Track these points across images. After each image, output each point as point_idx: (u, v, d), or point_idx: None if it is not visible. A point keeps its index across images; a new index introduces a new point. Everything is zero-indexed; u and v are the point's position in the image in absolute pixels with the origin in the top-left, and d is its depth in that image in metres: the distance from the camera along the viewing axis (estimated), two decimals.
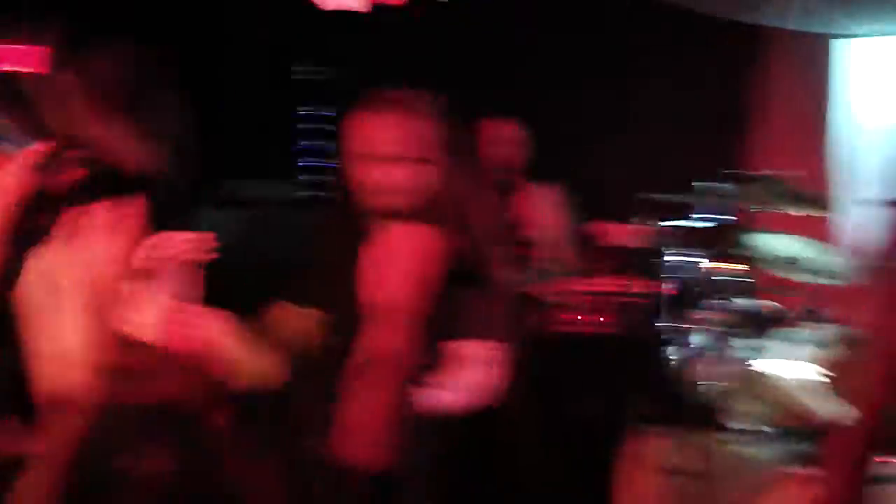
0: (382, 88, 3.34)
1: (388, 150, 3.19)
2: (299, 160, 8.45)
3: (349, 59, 7.82)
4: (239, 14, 7.70)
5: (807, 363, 4.77)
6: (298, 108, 8.40)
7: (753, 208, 5.25)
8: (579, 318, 6.34)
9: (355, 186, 3.23)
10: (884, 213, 5.75)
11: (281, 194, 8.05)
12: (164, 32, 7.52)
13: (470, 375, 3.06)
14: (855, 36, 6.99)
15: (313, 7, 7.66)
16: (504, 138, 6.23)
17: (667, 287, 5.58)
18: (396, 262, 3.04)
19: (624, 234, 5.99)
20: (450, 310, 3.06)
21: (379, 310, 2.96)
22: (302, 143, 8.43)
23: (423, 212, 3.13)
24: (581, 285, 6.39)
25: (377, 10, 7.31)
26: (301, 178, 8.42)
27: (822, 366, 4.72)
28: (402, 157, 3.18)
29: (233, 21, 7.69)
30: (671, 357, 5.51)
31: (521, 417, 5.49)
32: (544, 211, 6.19)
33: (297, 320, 3.27)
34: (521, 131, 6.24)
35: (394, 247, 3.03)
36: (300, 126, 8.44)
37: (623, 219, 6.00)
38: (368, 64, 7.28)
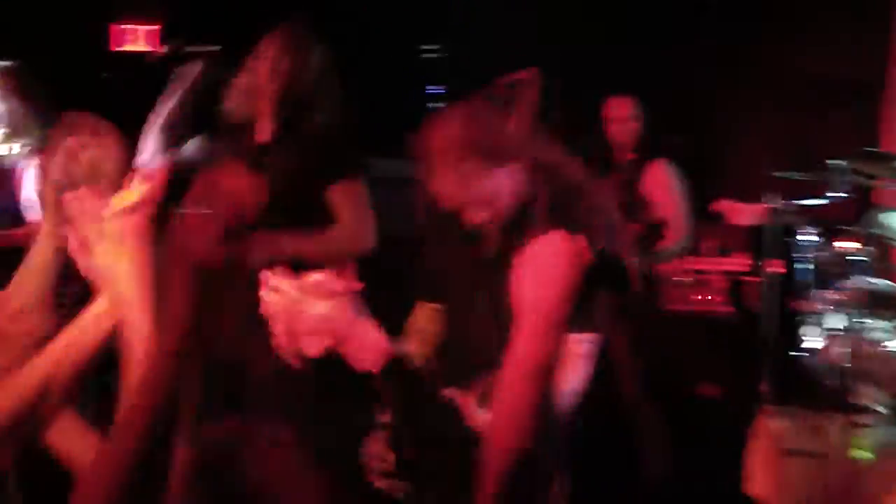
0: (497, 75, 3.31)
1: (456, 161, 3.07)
2: None
3: (474, 39, 7.83)
4: None
5: None
6: (426, 87, 8.44)
7: (888, 186, 5.12)
8: (704, 297, 6.28)
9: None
10: None
11: (407, 172, 8.09)
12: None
13: (574, 373, 3.05)
14: None
15: None
16: (627, 116, 6.19)
17: (797, 266, 5.47)
18: (538, 272, 2.99)
19: (753, 212, 5.89)
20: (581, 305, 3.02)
21: (524, 318, 2.93)
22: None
23: (546, 215, 3.07)
24: (706, 264, 6.32)
25: None
26: None
27: None
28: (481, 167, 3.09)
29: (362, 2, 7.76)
30: (802, 337, 5.41)
31: (641, 399, 5.47)
32: (667, 189, 6.12)
33: (434, 317, 3.30)
34: (643, 108, 6.20)
35: (532, 256, 3.00)
36: (429, 105, 8.48)
37: (753, 197, 5.90)
38: (493, 44, 7.28)
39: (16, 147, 4.96)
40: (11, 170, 5.01)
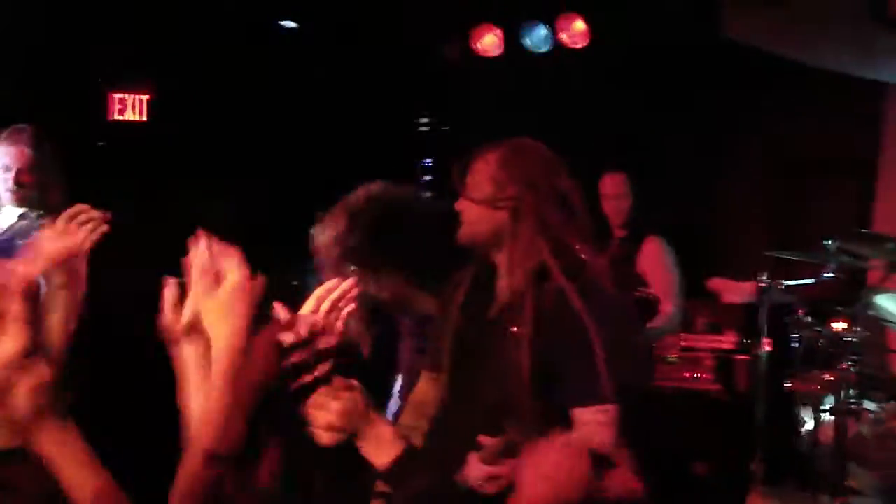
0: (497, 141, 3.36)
1: (476, 181, 3.23)
2: None
3: (471, 113, 7.87)
4: (364, 67, 7.81)
5: None
6: (421, 162, 8.46)
7: (885, 269, 5.11)
8: (694, 374, 6.26)
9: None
10: None
11: None
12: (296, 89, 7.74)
13: (590, 439, 3.04)
14: None
15: (438, 62, 7.75)
16: (621, 192, 6.23)
17: (790, 345, 5.46)
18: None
19: (745, 290, 5.89)
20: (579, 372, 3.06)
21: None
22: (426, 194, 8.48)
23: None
24: (696, 341, 6.31)
25: (500, 65, 7.39)
26: None
27: None
28: (469, 187, 3.23)
29: (358, 75, 7.79)
30: (794, 418, 5.38)
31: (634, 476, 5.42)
32: (660, 265, 6.15)
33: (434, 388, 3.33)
34: (636, 185, 6.24)
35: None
36: (423, 177, 8.50)
37: (745, 275, 5.89)
38: (489, 118, 7.32)
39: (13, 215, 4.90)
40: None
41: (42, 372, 1.80)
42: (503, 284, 3.27)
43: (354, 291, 2.28)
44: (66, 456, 1.85)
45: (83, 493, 1.86)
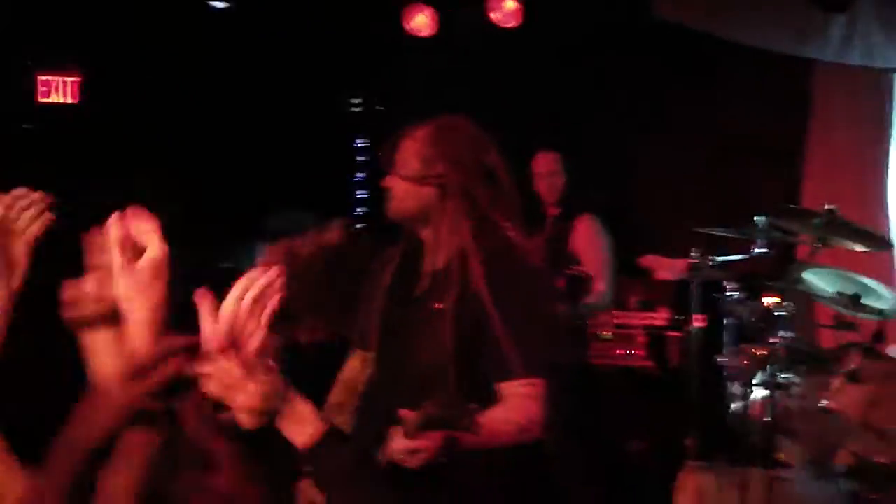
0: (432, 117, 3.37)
1: (404, 158, 3.26)
2: (356, 191, 8.49)
3: (404, 92, 7.85)
4: (300, 46, 7.77)
5: (861, 400, 4.68)
6: (354, 141, 8.45)
7: (813, 243, 5.17)
8: (627, 351, 6.30)
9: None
10: None
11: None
12: (225, 68, 7.67)
13: (514, 412, 3.07)
14: None
15: (371, 41, 7.73)
16: (553, 171, 6.26)
17: (722, 321, 5.50)
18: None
19: (677, 267, 5.93)
20: (500, 347, 3.09)
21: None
22: (357, 175, 8.47)
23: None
24: (629, 318, 6.35)
25: (430, 43, 7.38)
26: (357, 210, 8.45)
27: (876, 401, 4.64)
28: (396, 163, 3.26)
29: (293, 53, 7.75)
30: (724, 392, 5.43)
31: (564, 450, 5.46)
32: (593, 244, 6.19)
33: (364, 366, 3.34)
34: (569, 163, 6.27)
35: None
36: (356, 158, 8.48)
37: (677, 252, 5.94)
38: (424, 95, 7.31)
39: None
40: None
41: None
42: (429, 261, 3.29)
43: (280, 282, 2.26)
44: None
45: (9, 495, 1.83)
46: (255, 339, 2.11)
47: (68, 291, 2.17)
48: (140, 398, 1.96)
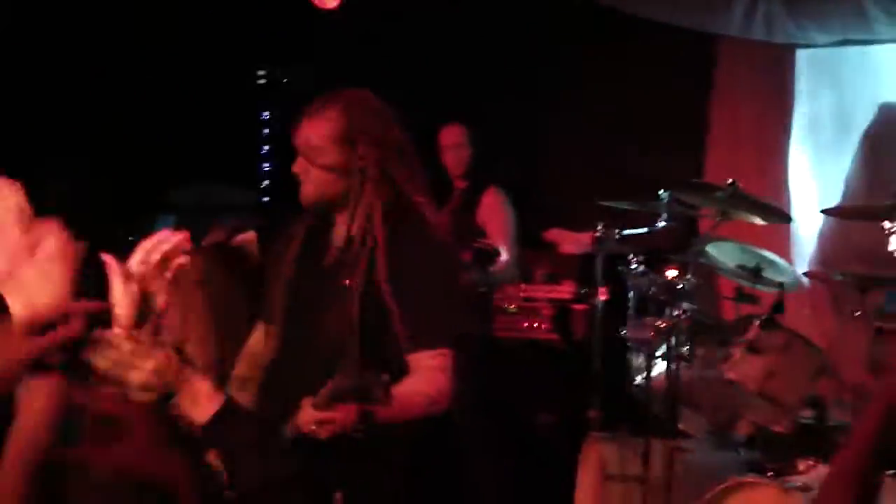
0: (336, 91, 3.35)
1: (318, 144, 3.23)
2: (262, 165, 8.43)
3: (311, 62, 7.80)
4: (204, 17, 7.66)
5: (760, 371, 4.76)
6: (261, 113, 8.37)
7: (715, 217, 5.23)
8: (532, 324, 6.34)
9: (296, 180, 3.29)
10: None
11: (244, 200, 8.01)
12: (133, 35, 7.54)
13: (424, 384, 3.09)
14: (819, 46, 6.99)
15: (278, 10, 7.65)
16: (459, 143, 6.27)
17: (626, 294, 5.56)
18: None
19: (581, 240, 5.98)
20: (409, 318, 3.10)
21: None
22: (265, 147, 8.40)
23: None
24: (534, 291, 6.39)
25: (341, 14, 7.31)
26: (264, 183, 8.39)
27: (774, 372, 4.72)
28: (309, 147, 3.23)
29: (197, 24, 7.65)
30: (628, 364, 5.50)
31: (471, 423, 5.49)
32: (498, 216, 6.22)
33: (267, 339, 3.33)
34: (475, 136, 6.29)
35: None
36: (263, 131, 8.41)
37: (582, 226, 5.98)
38: (330, 68, 7.27)
39: None
40: None
41: None
42: (337, 235, 3.29)
43: (185, 245, 2.23)
44: None
45: None
46: (158, 298, 2.09)
47: None
48: (38, 351, 1.93)
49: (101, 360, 2.05)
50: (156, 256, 2.13)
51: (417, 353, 3.12)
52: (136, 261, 2.12)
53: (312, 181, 3.26)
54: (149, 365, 2.07)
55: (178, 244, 2.16)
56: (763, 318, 4.90)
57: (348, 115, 3.25)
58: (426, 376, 3.11)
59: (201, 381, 2.15)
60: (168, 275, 2.14)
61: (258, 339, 3.41)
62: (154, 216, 7.53)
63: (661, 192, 5.47)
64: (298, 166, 3.28)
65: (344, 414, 2.71)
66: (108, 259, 2.08)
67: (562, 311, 6.39)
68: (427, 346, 3.12)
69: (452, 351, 3.17)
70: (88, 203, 6.74)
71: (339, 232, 3.31)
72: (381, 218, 3.20)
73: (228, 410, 2.17)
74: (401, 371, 3.07)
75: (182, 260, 2.17)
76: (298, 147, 3.28)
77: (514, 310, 6.31)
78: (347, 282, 3.17)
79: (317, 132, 3.24)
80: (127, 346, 2.05)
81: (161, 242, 2.14)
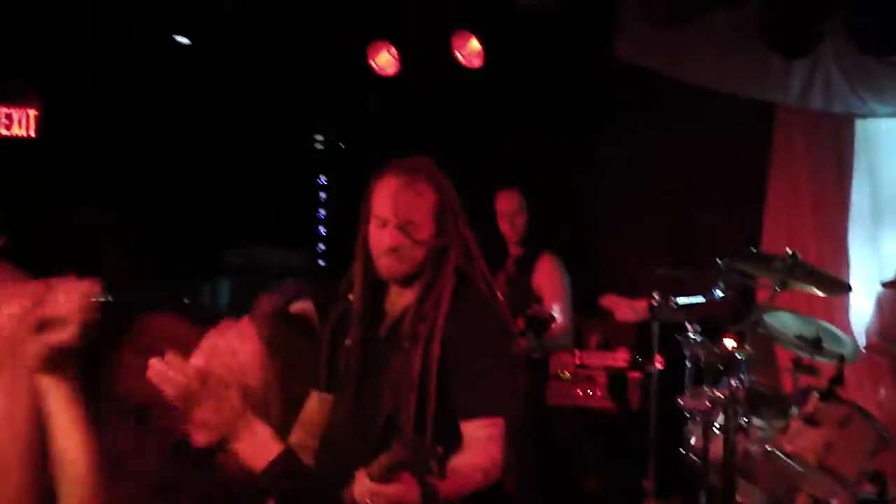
0: (398, 159, 3.33)
1: (419, 220, 3.19)
2: (318, 229, 8.48)
3: (367, 131, 7.86)
4: (263, 81, 7.76)
5: (819, 444, 4.69)
6: (317, 178, 8.43)
7: (774, 287, 5.19)
8: (587, 391, 6.29)
9: (369, 249, 3.25)
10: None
11: (299, 262, 8.06)
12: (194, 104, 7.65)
13: (479, 457, 3.06)
14: (880, 116, 6.95)
15: (336, 80, 7.72)
16: (515, 209, 6.26)
17: (682, 362, 5.51)
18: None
19: (637, 308, 5.94)
20: (463, 386, 3.09)
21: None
22: (321, 212, 8.46)
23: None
24: (589, 358, 6.35)
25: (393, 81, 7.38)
26: (320, 246, 8.45)
27: (833, 445, 4.66)
28: (408, 222, 3.18)
29: (256, 88, 7.74)
30: (684, 433, 5.44)
31: (525, 490, 5.44)
32: (554, 283, 6.20)
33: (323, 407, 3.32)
34: (531, 201, 6.29)
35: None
36: (320, 196, 8.47)
37: (637, 293, 5.95)
38: (385, 137, 7.31)
39: None
40: None
41: None
42: (395, 305, 3.27)
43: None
44: None
45: None
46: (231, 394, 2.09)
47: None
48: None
49: (170, 388, 2.05)
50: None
51: (470, 422, 3.09)
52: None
53: (408, 258, 3.21)
54: (211, 405, 2.06)
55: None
56: (822, 390, 4.83)
57: (438, 189, 3.21)
58: (480, 448, 3.08)
59: (263, 427, 2.14)
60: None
61: (313, 408, 3.40)
62: (210, 278, 7.59)
63: (718, 260, 5.43)
64: (395, 240, 3.19)
65: (404, 489, 2.68)
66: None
67: (617, 379, 6.34)
68: (480, 415, 3.09)
69: (504, 419, 3.14)
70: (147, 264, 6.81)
71: (398, 302, 3.28)
72: (448, 287, 3.18)
73: (287, 460, 2.16)
74: (452, 438, 3.05)
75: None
76: (391, 220, 3.21)
77: (569, 377, 6.27)
78: (403, 347, 3.15)
79: (417, 207, 3.19)
80: (196, 382, 2.05)
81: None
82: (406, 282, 3.24)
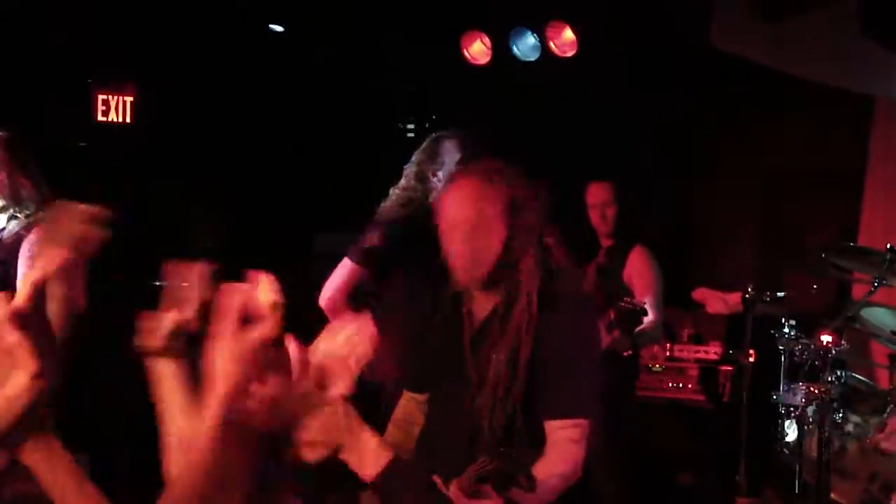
0: (477, 153, 3.32)
1: (466, 219, 3.18)
2: None
3: (460, 121, 7.85)
4: (352, 71, 7.79)
5: None
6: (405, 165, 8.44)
7: (872, 282, 5.10)
8: (678, 384, 6.25)
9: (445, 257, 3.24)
10: None
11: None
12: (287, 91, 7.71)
13: (560, 463, 3.06)
14: None
15: (422, 64, 7.73)
16: (607, 201, 6.22)
17: (774, 356, 5.44)
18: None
19: (729, 301, 5.87)
20: (548, 386, 3.08)
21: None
22: None
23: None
24: (681, 351, 6.30)
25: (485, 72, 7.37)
26: None
27: None
28: (488, 228, 3.16)
29: (347, 77, 7.77)
30: (778, 429, 5.37)
31: (613, 484, 5.42)
32: (645, 275, 6.14)
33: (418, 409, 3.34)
34: (623, 192, 6.24)
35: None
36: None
37: (730, 285, 5.88)
38: (477, 127, 7.31)
39: (5, 219, 4.84)
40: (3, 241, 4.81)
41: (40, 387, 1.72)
42: (481, 307, 3.26)
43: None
44: (55, 469, 1.79)
45: None
46: (339, 384, 2.07)
47: (146, 322, 2.17)
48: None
49: (266, 412, 2.03)
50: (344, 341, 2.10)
51: (555, 422, 3.10)
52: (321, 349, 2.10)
53: (482, 262, 3.19)
54: (315, 423, 2.05)
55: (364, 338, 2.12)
56: None
57: (509, 190, 3.17)
58: (561, 451, 3.08)
59: (370, 436, 2.12)
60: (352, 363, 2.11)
61: (407, 407, 3.42)
62: (300, 263, 7.64)
63: (815, 254, 5.35)
64: (465, 247, 3.20)
65: (489, 498, 2.69)
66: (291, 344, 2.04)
67: (708, 372, 6.29)
68: (564, 415, 3.11)
69: (589, 420, 3.13)
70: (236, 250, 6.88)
71: (484, 304, 3.27)
72: (535, 287, 3.16)
73: (397, 467, 2.15)
74: (536, 437, 3.06)
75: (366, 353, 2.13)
76: (460, 226, 3.21)
77: (660, 369, 6.24)
78: (493, 348, 3.15)
79: (486, 211, 3.16)
80: (292, 402, 2.03)
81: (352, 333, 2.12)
82: (488, 286, 3.23)
